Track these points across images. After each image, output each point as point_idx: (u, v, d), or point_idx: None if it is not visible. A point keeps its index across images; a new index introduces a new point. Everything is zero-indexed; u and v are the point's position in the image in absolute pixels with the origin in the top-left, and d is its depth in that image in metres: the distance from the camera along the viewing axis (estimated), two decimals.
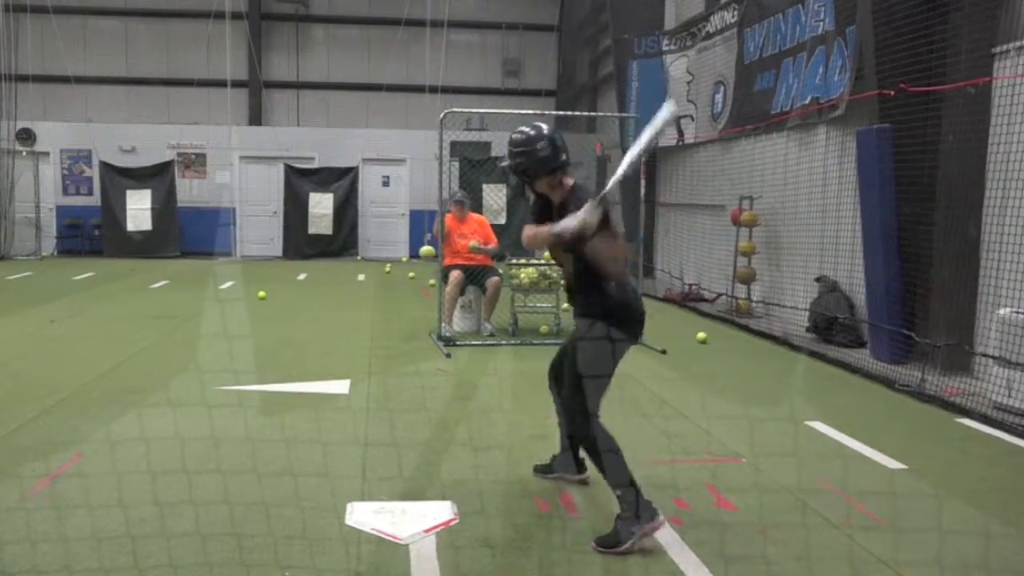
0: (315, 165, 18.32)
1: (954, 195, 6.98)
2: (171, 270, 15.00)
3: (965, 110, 6.83)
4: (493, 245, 8.81)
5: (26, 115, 17.60)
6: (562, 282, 3.90)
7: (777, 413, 5.99)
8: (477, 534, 3.65)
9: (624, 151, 14.47)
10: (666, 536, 3.64)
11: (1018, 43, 6.48)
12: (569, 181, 3.82)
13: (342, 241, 18.20)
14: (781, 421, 5.56)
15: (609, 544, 3.48)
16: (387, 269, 16.10)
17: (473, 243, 8.55)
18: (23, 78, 17.57)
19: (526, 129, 3.83)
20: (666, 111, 3.68)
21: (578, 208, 3.48)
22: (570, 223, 3.43)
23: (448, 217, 8.84)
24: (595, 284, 3.63)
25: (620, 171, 3.55)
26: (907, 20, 7.19)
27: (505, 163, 3.86)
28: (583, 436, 3.71)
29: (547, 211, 3.87)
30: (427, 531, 3.66)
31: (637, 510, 3.50)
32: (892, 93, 7.27)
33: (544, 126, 3.86)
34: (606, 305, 3.64)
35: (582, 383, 3.62)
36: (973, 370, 6.82)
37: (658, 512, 3.56)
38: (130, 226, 17.52)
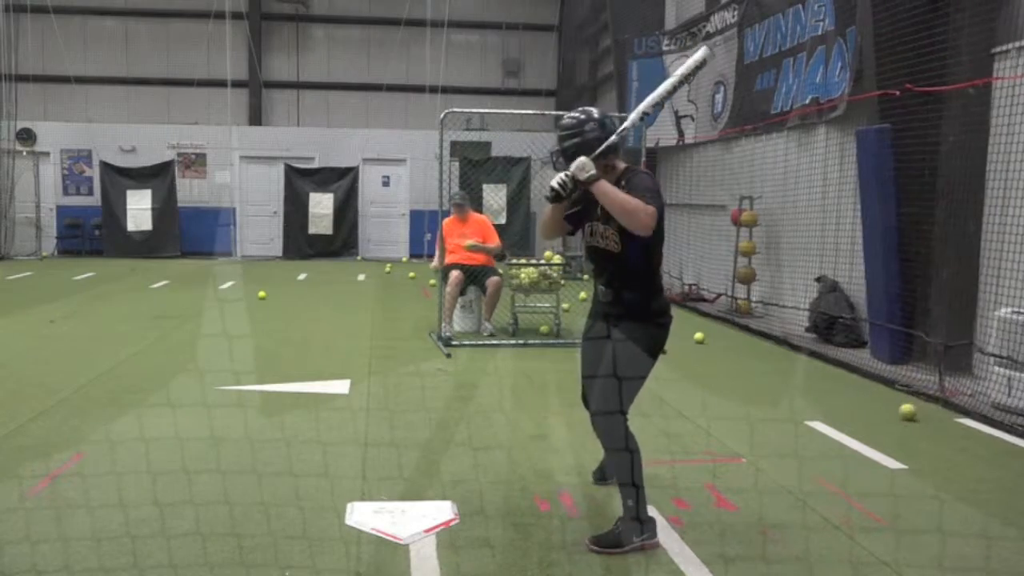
0: (315, 165, 18.32)
1: (954, 195, 6.98)
2: (171, 270, 15.00)
3: (965, 110, 6.83)
4: (494, 244, 8.81)
5: (26, 115, 17.60)
6: (585, 277, 3.88)
7: (777, 413, 5.99)
8: (477, 534, 3.65)
9: (624, 151, 14.47)
10: (666, 536, 3.65)
11: (1018, 43, 6.48)
12: (621, 164, 3.71)
13: (342, 241, 18.21)
14: (781, 421, 5.56)
15: (609, 544, 3.47)
16: (387, 269, 16.10)
17: (470, 241, 8.55)
18: (23, 78, 17.57)
19: (575, 113, 3.74)
20: (700, 54, 3.69)
21: (626, 187, 3.50)
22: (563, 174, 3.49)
23: (451, 219, 8.85)
24: (641, 282, 3.60)
25: (636, 113, 3.63)
26: (907, 20, 7.19)
27: (554, 149, 3.72)
28: (607, 436, 3.62)
29: (589, 202, 3.71)
30: (427, 531, 3.66)
31: (638, 515, 3.51)
32: (892, 93, 7.26)
33: (593, 109, 3.76)
34: (652, 306, 3.62)
35: (616, 384, 3.56)
36: (973, 370, 6.82)
37: (656, 530, 3.57)
38: (130, 226, 17.52)
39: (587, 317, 3.91)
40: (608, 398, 3.58)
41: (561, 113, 3.95)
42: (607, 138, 3.62)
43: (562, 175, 3.51)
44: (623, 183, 3.56)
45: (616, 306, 3.66)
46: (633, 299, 3.61)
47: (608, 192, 3.42)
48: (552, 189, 3.53)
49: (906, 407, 5.74)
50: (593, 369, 3.74)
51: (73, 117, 18.45)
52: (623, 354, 3.58)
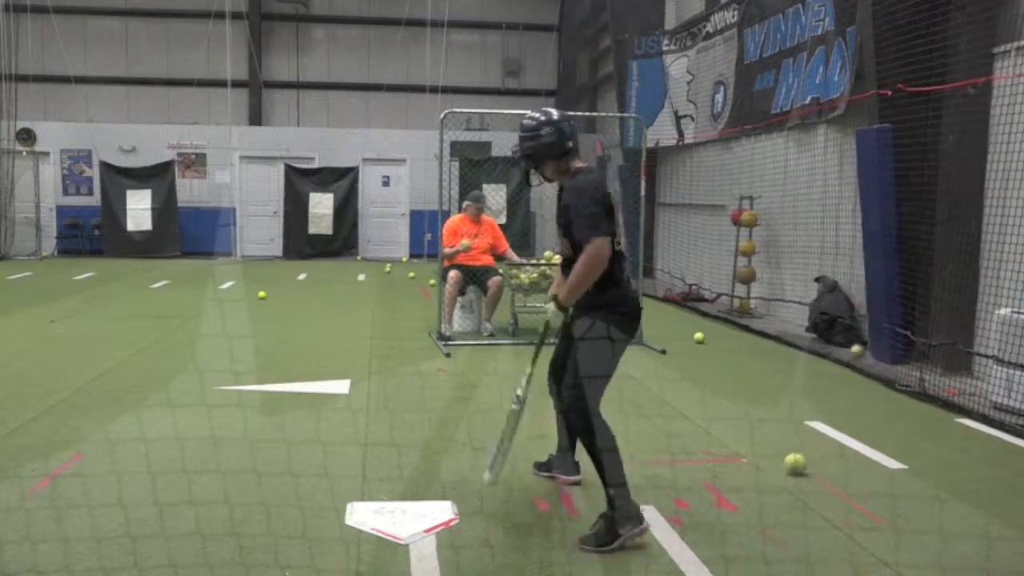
0: (315, 165, 18.32)
1: (954, 195, 6.97)
2: (171, 270, 15.00)
3: (965, 110, 6.83)
4: (503, 249, 8.85)
5: (26, 115, 17.59)
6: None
7: (777, 413, 5.99)
8: (477, 534, 3.65)
9: (624, 151, 14.42)
10: (666, 536, 3.65)
11: (1018, 43, 6.48)
12: (576, 165, 3.82)
13: (342, 241, 18.20)
14: (781, 421, 5.56)
15: (601, 543, 3.48)
16: (387, 269, 16.10)
17: (465, 241, 8.54)
18: (23, 78, 17.56)
19: (535, 115, 3.86)
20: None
21: (565, 190, 3.71)
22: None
23: (462, 217, 8.86)
24: (599, 279, 3.63)
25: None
26: (907, 20, 7.19)
27: (514, 148, 3.89)
28: (584, 434, 3.68)
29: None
30: (427, 531, 3.66)
31: (628, 512, 3.52)
32: (884, 93, 7.26)
33: (554, 112, 3.87)
34: (605, 302, 3.64)
35: (583, 382, 3.61)
36: (973, 370, 6.82)
37: (644, 518, 3.58)
38: (130, 226, 17.52)
39: None
40: (575, 394, 3.67)
41: (526, 112, 3.96)
42: (562, 142, 3.76)
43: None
44: (564, 191, 3.73)
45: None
46: (592, 292, 3.65)
47: (572, 289, 3.61)
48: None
49: (792, 458, 4.53)
50: (560, 363, 3.94)
51: (73, 117, 18.45)
52: (584, 349, 3.65)
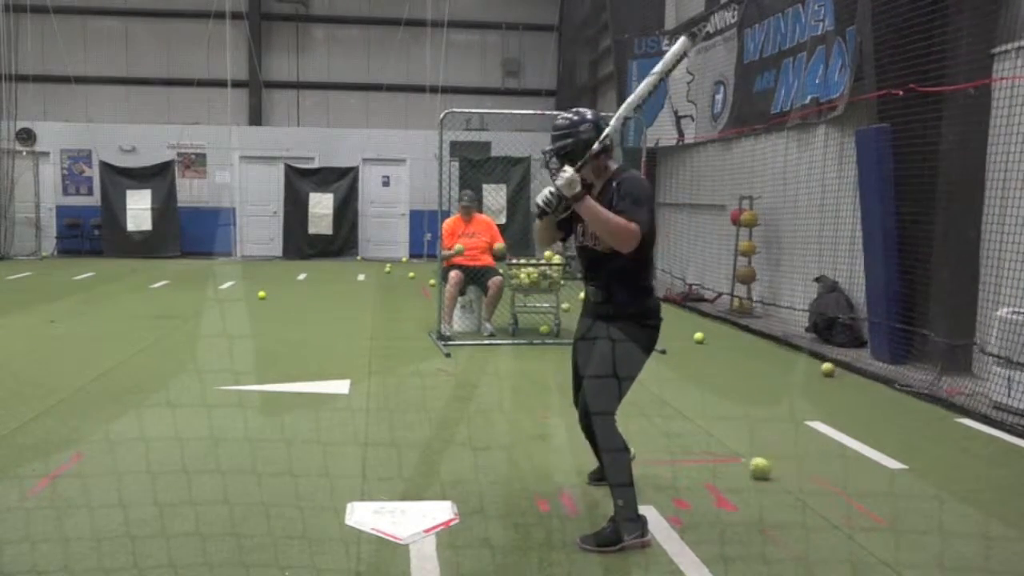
0: (315, 165, 18.32)
1: (954, 195, 6.98)
2: (171, 270, 15.00)
3: (965, 110, 6.83)
4: (499, 244, 8.85)
5: (26, 115, 17.59)
6: (577, 275, 3.88)
7: (777, 413, 5.99)
8: (477, 534, 3.65)
9: (624, 151, 14.45)
10: (666, 536, 3.65)
11: (1018, 43, 6.48)
12: (613, 165, 3.73)
13: (342, 241, 18.21)
14: (781, 421, 5.56)
15: (604, 543, 3.48)
16: (387, 269, 16.10)
17: (459, 246, 8.55)
18: (23, 78, 17.56)
19: (568, 114, 3.79)
20: (678, 46, 3.49)
21: (616, 192, 3.53)
22: (558, 182, 3.46)
23: (457, 218, 8.87)
24: (632, 285, 3.60)
25: (616, 119, 3.54)
26: (907, 20, 7.19)
27: (547, 149, 3.74)
28: (601, 437, 3.62)
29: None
30: (427, 531, 3.66)
31: (632, 514, 3.52)
32: (896, 93, 7.26)
33: (587, 111, 3.80)
34: (639, 311, 3.61)
35: (610, 384, 3.55)
36: (973, 370, 6.82)
37: (648, 528, 3.58)
38: (130, 226, 17.52)
39: (579, 317, 3.91)
40: (605, 399, 3.59)
41: (558, 113, 3.92)
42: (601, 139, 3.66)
43: (548, 191, 3.54)
44: (614, 184, 3.58)
45: (607, 306, 3.66)
46: (624, 299, 3.61)
47: (592, 209, 3.45)
48: (538, 206, 3.58)
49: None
50: (586, 370, 3.72)
51: (73, 117, 18.44)
52: (617, 355, 3.56)
